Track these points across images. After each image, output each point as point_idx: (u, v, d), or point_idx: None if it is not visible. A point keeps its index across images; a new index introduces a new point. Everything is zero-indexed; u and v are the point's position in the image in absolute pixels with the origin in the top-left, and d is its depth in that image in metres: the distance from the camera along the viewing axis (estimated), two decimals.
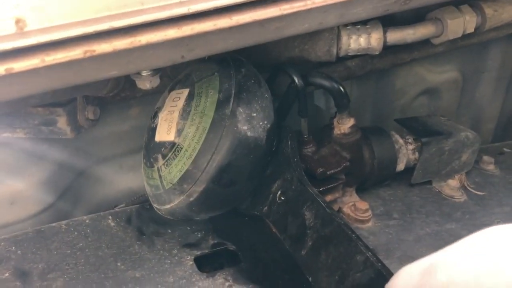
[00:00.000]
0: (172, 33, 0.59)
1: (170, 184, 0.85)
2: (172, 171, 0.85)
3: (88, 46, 0.56)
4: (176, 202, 0.86)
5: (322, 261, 0.73)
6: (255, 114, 0.83)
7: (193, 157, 0.83)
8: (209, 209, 0.89)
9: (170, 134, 0.87)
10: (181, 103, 0.88)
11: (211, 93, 0.84)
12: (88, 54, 0.56)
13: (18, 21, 0.52)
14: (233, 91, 0.83)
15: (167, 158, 0.86)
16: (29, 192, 1.02)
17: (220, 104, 0.82)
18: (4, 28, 0.52)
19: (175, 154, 0.85)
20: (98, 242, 0.92)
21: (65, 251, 0.90)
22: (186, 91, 0.89)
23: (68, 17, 0.54)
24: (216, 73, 0.87)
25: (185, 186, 0.84)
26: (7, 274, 0.85)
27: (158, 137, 0.88)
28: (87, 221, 0.96)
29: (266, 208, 0.88)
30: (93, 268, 0.87)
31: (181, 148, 0.84)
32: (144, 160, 0.92)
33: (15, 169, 1.00)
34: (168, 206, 0.87)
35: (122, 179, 1.13)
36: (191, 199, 0.84)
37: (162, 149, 0.87)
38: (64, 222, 0.95)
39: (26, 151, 1.00)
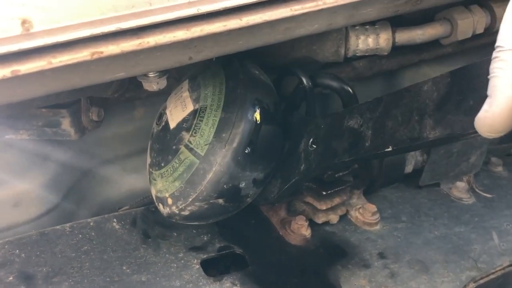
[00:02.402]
0: (181, 34, 0.58)
1: (207, 145, 0.81)
2: (204, 132, 0.82)
3: (95, 48, 0.54)
4: (219, 159, 0.81)
5: (391, 127, 0.70)
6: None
7: (221, 106, 0.82)
8: (253, 156, 0.83)
9: (187, 109, 0.86)
10: (186, 86, 0.89)
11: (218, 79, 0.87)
12: (95, 56, 0.55)
13: (24, 22, 0.51)
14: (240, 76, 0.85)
15: (193, 126, 0.83)
16: (32, 194, 1.01)
17: (229, 75, 0.85)
18: (10, 29, 0.50)
19: (201, 117, 0.83)
20: (103, 245, 0.91)
21: (69, 254, 0.89)
22: (185, 81, 0.90)
23: (75, 18, 0.53)
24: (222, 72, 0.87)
25: (224, 135, 0.81)
26: (11, 278, 0.84)
27: (174, 122, 0.86)
28: (91, 223, 0.95)
29: (303, 166, 0.85)
30: (98, 272, 0.86)
31: (205, 107, 0.83)
32: (156, 164, 0.88)
33: (18, 171, 0.99)
34: (208, 177, 0.81)
35: (126, 180, 1.11)
36: (235, 144, 0.81)
37: (184, 125, 0.85)
38: (68, 224, 0.94)
39: (30, 152, 0.98)
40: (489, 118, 0.51)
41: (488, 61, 0.52)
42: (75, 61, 0.54)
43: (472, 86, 0.58)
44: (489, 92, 0.51)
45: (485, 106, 0.51)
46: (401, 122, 0.69)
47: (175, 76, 0.96)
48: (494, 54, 0.50)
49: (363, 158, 0.79)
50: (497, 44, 0.50)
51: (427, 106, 0.65)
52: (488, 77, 0.51)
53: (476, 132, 0.56)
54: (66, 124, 0.93)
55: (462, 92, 0.61)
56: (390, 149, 0.70)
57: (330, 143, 0.81)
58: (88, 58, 0.54)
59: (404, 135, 0.68)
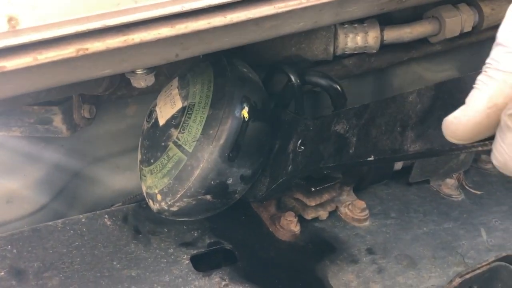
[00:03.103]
0: (165, 31, 0.58)
1: (194, 141, 0.82)
2: (192, 128, 0.83)
3: (81, 45, 0.55)
4: (206, 156, 0.82)
5: (375, 136, 0.70)
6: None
7: (209, 103, 0.83)
8: (240, 153, 0.84)
9: (176, 106, 0.87)
10: (175, 83, 0.90)
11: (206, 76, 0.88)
12: (81, 53, 0.55)
13: (10, 19, 0.52)
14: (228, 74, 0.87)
15: (181, 123, 0.84)
16: (25, 191, 1.01)
17: (217, 72, 0.87)
18: None
19: (189, 114, 0.84)
20: (94, 241, 0.92)
21: (61, 250, 0.90)
22: (175, 79, 0.90)
23: (61, 15, 0.54)
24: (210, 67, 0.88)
25: (211, 132, 0.82)
26: (2, 273, 0.85)
27: (163, 119, 0.87)
28: (83, 220, 0.96)
29: (290, 167, 0.86)
30: (89, 267, 0.87)
31: (194, 105, 0.84)
32: (146, 161, 0.90)
33: (11, 168, 1.00)
34: (196, 173, 0.83)
35: (119, 178, 1.12)
36: (221, 141, 0.82)
37: (173, 121, 0.86)
38: (60, 221, 0.95)
39: (22, 149, 0.99)
40: (454, 124, 0.52)
41: (471, 77, 0.52)
42: (60, 57, 0.55)
43: (454, 101, 0.57)
44: (466, 100, 0.51)
45: (456, 112, 0.52)
46: (384, 131, 0.69)
47: (166, 74, 0.97)
48: (483, 68, 0.51)
49: (346, 164, 0.79)
50: (487, 60, 0.51)
51: (410, 118, 0.66)
52: (472, 86, 0.51)
53: (455, 149, 0.56)
54: (57, 121, 0.93)
55: (444, 106, 0.60)
56: (372, 158, 0.71)
57: (317, 146, 0.82)
58: (74, 54, 0.55)
59: (386, 146, 0.69)
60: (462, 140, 0.52)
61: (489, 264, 0.86)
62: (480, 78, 0.50)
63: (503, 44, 0.49)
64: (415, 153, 0.64)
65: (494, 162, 0.51)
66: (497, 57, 0.49)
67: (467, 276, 0.84)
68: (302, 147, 0.84)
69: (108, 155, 1.10)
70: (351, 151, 0.74)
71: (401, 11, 0.91)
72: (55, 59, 0.55)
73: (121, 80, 0.95)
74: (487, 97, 0.49)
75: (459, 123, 0.51)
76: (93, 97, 0.99)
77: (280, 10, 0.64)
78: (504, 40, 0.49)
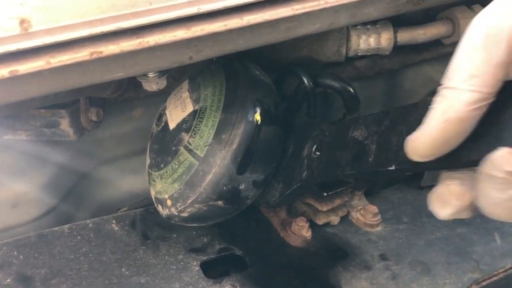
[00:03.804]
0: (181, 33, 0.57)
1: (206, 146, 0.80)
2: (204, 133, 0.81)
3: (94, 48, 0.54)
4: (218, 161, 0.80)
5: (396, 144, 0.68)
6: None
7: (221, 107, 0.81)
8: (253, 157, 0.82)
9: (187, 109, 0.85)
10: (185, 86, 0.88)
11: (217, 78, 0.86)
12: (94, 56, 0.54)
13: (22, 22, 0.50)
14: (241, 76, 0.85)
15: (192, 127, 0.82)
16: (31, 195, 1.00)
17: (229, 75, 0.85)
18: (8, 28, 0.50)
19: (200, 118, 0.82)
20: (102, 247, 0.90)
21: (68, 256, 0.88)
22: (185, 81, 0.89)
23: (74, 17, 0.52)
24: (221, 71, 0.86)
25: (224, 136, 0.80)
26: (9, 280, 0.83)
27: (174, 123, 0.85)
28: (90, 225, 0.94)
29: (305, 173, 0.83)
30: (97, 274, 0.86)
31: (205, 108, 0.82)
32: (156, 165, 0.88)
33: (17, 172, 0.99)
34: (208, 178, 0.81)
35: (125, 181, 1.11)
36: (234, 146, 0.80)
37: (183, 125, 0.84)
38: (66, 226, 0.93)
39: (28, 153, 0.98)
40: (412, 142, 0.56)
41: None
42: (74, 61, 0.53)
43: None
44: (423, 120, 0.54)
45: (415, 132, 0.55)
46: (405, 135, 0.67)
47: (174, 76, 0.96)
48: (438, 89, 0.54)
49: (365, 173, 0.77)
50: (441, 81, 0.53)
51: None
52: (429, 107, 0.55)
53: (479, 160, 0.55)
54: (65, 124, 0.92)
55: None
56: (393, 168, 0.68)
57: (334, 153, 0.79)
58: (87, 58, 0.54)
59: None
60: (423, 157, 0.55)
61: (505, 271, 0.84)
62: (434, 99, 0.53)
63: (456, 62, 0.52)
64: (440, 164, 0.62)
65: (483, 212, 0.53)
66: (449, 76, 0.52)
67: (484, 283, 0.82)
68: (318, 153, 0.82)
69: (114, 158, 1.09)
70: (370, 159, 0.72)
71: (414, 12, 0.89)
72: (68, 62, 0.53)
73: (128, 83, 0.94)
74: (441, 113, 0.52)
75: (418, 140, 0.55)
76: (100, 99, 0.97)
77: (297, 12, 0.62)
78: (458, 59, 0.52)
